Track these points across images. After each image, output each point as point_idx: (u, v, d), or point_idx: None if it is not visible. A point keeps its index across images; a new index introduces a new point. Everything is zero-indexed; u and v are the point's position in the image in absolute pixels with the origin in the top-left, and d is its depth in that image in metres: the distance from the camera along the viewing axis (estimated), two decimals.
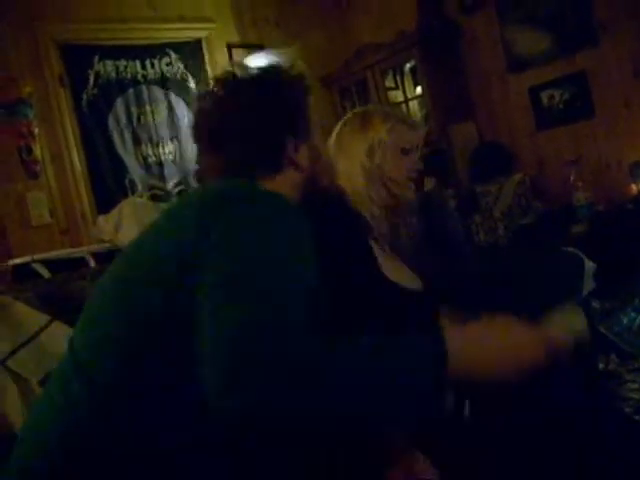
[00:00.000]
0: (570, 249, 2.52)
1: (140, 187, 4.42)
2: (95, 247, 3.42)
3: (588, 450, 1.43)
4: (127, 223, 3.27)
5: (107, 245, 3.35)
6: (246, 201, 1.09)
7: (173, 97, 4.63)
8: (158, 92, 4.59)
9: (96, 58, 4.34)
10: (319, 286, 1.04)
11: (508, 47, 4.41)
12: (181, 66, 4.70)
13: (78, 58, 4.29)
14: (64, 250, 3.59)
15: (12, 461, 1.09)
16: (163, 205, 3.77)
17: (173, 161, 4.57)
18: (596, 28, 3.92)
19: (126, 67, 4.47)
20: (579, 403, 1.47)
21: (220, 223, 1.02)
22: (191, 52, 4.76)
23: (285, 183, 1.31)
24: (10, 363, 2.10)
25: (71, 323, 2.23)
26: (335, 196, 1.63)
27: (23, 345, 2.16)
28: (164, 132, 4.57)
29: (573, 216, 3.86)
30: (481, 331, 1.04)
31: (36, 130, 4.01)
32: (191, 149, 4.60)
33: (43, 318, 2.20)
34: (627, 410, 1.92)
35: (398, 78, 5.03)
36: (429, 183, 4.23)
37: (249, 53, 4.80)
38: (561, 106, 4.23)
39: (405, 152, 1.73)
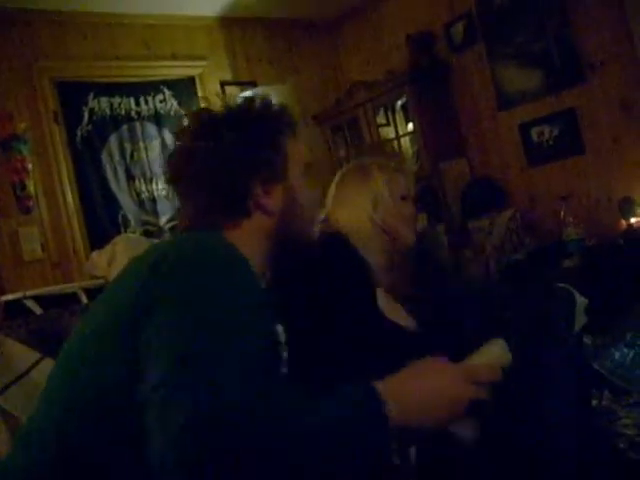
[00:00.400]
0: (561, 284, 2.52)
1: (133, 223, 4.43)
2: (87, 283, 3.41)
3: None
4: (120, 259, 3.27)
5: (99, 281, 3.34)
6: (185, 264, 1.02)
7: (166, 133, 4.66)
8: (151, 129, 4.63)
9: (91, 95, 4.38)
10: (270, 339, 1.01)
11: (498, 84, 4.48)
12: (174, 103, 4.75)
13: (73, 95, 4.33)
14: (56, 286, 3.58)
15: None
16: (156, 241, 3.77)
17: (166, 197, 4.58)
18: (583, 66, 4.00)
19: (120, 104, 4.51)
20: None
21: (159, 288, 0.98)
22: (184, 89, 4.81)
23: (252, 229, 1.24)
24: (0, 401, 2.08)
25: None
26: (337, 239, 1.68)
27: (14, 382, 2.14)
28: (157, 168, 4.59)
29: (564, 251, 3.88)
30: (408, 378, 1.01)
31: (30, 166, 4.02)
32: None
33: (34, 355, 2.18)
34: (621, 446, 1.91)
35: (389, 115, 5.08)
36: (421, 219, 4.26)
37: (242, 90, 4.85)
38: (551, 142, 4.28)
39: (404, 198, 1.82)
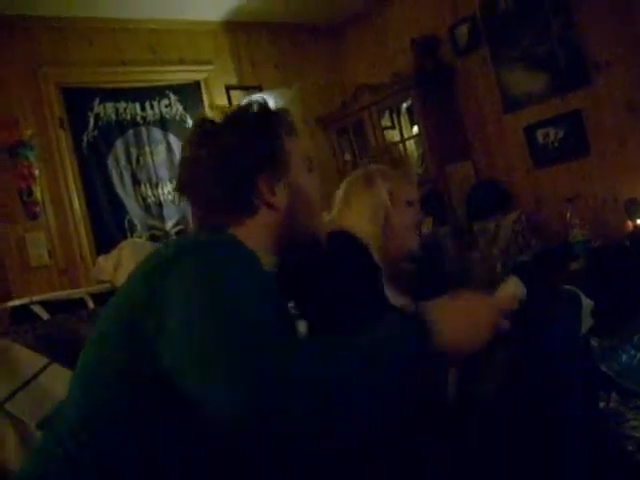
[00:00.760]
0: (567, 287, 2.52)
1: (139, 227, 4.44)
2: (94, 288, 3.41)
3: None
4: (126, 263, 3.27)
5: (106, 286, 3.34)
6: (190, 257, 1.07)
7: (172, 138, 4.68)
8: (157, 133, 4.64)
9: (97, 100, 4.40)
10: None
11: (503, 87, 4.48)
12: (180, 107, 4.76)
13: (79, 101, 4.34)
14: (63, 291, 3.58)
15: None
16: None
17: (172, 201, 4.59)
18: (589, 67, 3.99)
19: (126, 109, 4.52)
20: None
21: (167, 283, 1.03)
22: (190, 94, 4.82)
23: (258, 226, 1.28)
24: (8, 406, 2.08)
25: (70, 365, 2.22)
26: (343, 233, 1.75)
27: (21, 388, 2.14)
28: (163, 173, 4.60)
29: (570, 253, 3.87)
30: (448, 307, 1.09)
31: (36, 172, 4.04)
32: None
33: (41, 360, 2.18)
34: (629, 448, 1.91)
35: (395, 117, 5.08)
36: (427, 223, 4.26)
37: (247, 94, 4.86)
38: (556, 144, 4.27)
39: (410, 204, 1.89)
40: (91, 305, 3.21)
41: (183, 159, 1.35)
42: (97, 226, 4.30)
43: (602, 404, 2.19)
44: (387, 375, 0.96)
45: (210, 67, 4.91)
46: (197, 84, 4.86)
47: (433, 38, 4.82)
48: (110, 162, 4.41)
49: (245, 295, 1.01)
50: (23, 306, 3.18)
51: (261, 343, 0.92)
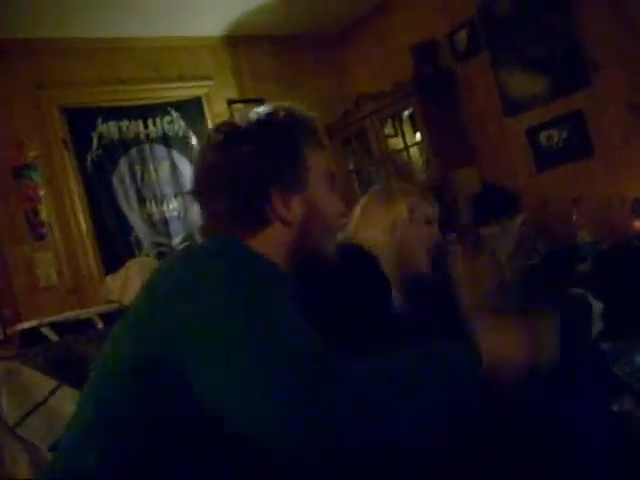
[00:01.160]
0: (576, 290, 2.51)
1: (146, 245, 4.45)
2: (102, 308, 3.43)
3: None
4: (133, 282, 3.28)
5: (114, 305, 3.35)
6: (212, 284, 1.02)
7: (175, 154, 4.70)
8: (161, 150, 4.66)
9: (99, 120, 4.42)
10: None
11: (503, 91, 4.47)
12: (182, 124, 4.78)
13: (81, 121, 4.37)
14: (71, 312, 3.60)
15: None
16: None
17: (178, 217, 4.61)
18: (589, 67, 3.98)
19: (128, 127, 4.54)
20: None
21: (190, 314, 0.99)
22: (192, 109, 4.84)
23: (269, 239, 1.22)
24: (20, 430, 2.09)
25: (79, 386, 2.22)
26: (354, 246, 1.75)
27: (32, 411, 2.15)
28: (168, 189, 4.62)
29: (578, 255, 3.85)
30: (497, 331, 1.09)
31: (42, 192, 4.06)
32: (196, 205, 4.64)
33: (51, 383, 2.19)
34: None
35: (397, 125, 5.08)
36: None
37: (249, 108, 4.86)
38: (560, 146, 4.26)
39: (428, 222, 1.89)
40: (100, 325, 3.23)
41: (198, 162, 1.31)
42: (104, 245, 4.32)
43: (615, 407, 2.18)
44: (432, 396, 0.97)
45: (211, 82, 4.94)
46: (198, 99, 4.88)
47: (432, 44, 4.83)
48: (115, 180, 4.43)
49: (279, 314, 0.99)
50: (32, 328, 3.19)
51: (305, 360, 0.91)
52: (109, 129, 4.46)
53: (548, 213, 4.41)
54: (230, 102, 4.99)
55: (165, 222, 4.57)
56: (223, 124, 1.31)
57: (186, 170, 4.70)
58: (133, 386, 1.02)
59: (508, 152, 4.58)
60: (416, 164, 4.93)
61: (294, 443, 0.87)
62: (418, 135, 4.91)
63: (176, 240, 4.59)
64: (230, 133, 1.26)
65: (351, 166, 5.34)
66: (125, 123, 4.53)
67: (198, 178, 1.28)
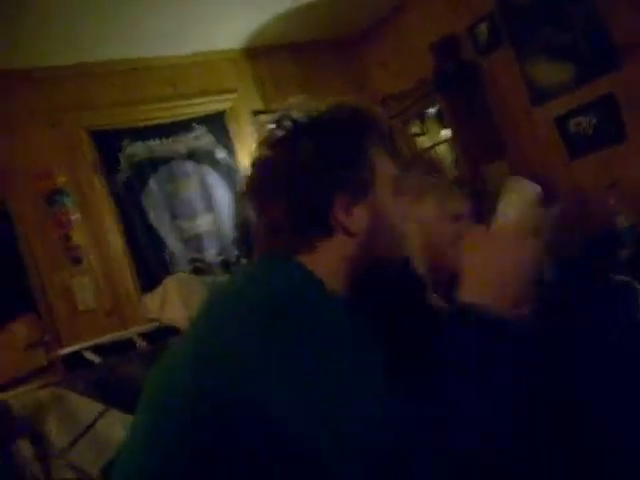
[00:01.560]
0: (620, 277, 2.45)
1: (181, 262, 4.46)
2: (142, 327, 3.45)
3: None
4: (171, 299, 3.30)
5: (154, 324, 3.37)
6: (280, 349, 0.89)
7: (204, 169, 4.71)
8: (189, 166, 4.67)
9: (126, 141, 4.45)
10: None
11: (529, 81, 4.41)
12: (208, 138, 4.79)
13: (108, 143, 4.40)
14: (111, 334, 3.62)
15: None
16: (207, 278, 3.78)
17: (210, 232, 4.62)
18: (617, 50, 3.90)
19: (155, 146, 4.57)
20: None
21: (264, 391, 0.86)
22: (217, 123, 4.85)
23: (331, 252, 1.08)
24: (69, 455, 2.10)
25: (124, 407, 2.23)
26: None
27: (82, 435, 2.16)
28: (198, 205, 4.63)
29: (617, 241, 3.78)
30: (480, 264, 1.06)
31: (74, 217, 4.10)
32: (228, 218, 4.66)
33: (97, 407, 2.20)
34: None
35: (423, 123, 5.05)
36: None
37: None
38: (590, 132, 4.18)
39: (458, 218, 1.80)
40: (141, 344, 3.24)
41: (255, 159, 1.16)
42: (139, 264, 4.34)
43: None
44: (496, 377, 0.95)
45: (234, 95, 4.94)
46: (223, 113, 4.90)
47: (453, 39, 4.78)
48: (145, 200, 4.46)
49: (354, 375, 0.91)
50: (74, 352, 3.22)
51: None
52: (136, 149, 4.49)
53: (583, 201, 4.33)
54: (255, 113, 4.99)
55: (198, 237, 4.58)
56: (283, 118, 1.16)
57: (215, 183, 4.71)
58: None
59: (538, 142, 4.51)
60: (445, 162, 4.88)
61: None
62: (444, 132, 4.87)
63: (211, 255, 4.60)
64: (290, 127, 1.14)
65: None
66: (152, 142, 4.56)
67: (252, 177, 1.16)
